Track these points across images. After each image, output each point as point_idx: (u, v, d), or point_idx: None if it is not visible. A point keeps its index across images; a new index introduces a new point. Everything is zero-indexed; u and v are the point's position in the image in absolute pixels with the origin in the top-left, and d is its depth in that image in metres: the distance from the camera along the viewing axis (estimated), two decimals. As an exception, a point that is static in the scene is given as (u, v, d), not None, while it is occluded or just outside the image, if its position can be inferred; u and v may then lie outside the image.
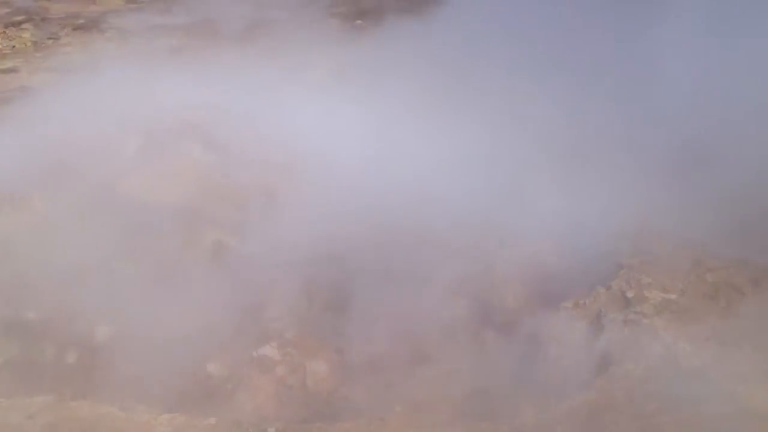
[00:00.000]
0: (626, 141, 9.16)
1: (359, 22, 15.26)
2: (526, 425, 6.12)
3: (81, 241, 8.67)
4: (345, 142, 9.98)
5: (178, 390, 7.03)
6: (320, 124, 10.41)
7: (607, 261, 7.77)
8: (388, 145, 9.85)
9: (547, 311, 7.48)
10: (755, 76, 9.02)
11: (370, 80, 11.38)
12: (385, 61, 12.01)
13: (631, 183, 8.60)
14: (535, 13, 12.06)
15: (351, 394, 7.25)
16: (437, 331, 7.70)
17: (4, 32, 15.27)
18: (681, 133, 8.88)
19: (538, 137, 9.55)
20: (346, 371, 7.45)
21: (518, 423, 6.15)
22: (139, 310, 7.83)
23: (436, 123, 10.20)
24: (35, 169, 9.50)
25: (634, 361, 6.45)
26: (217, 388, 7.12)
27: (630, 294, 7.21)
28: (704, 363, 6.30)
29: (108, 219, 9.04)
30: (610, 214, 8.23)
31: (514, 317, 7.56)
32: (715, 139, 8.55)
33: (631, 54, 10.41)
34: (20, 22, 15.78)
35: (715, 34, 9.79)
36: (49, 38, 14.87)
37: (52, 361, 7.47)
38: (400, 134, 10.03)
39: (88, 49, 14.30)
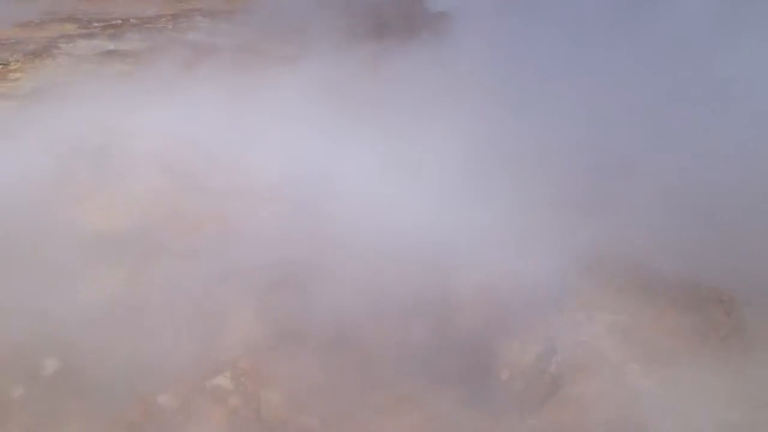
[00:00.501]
0: (578, 167, 9.29)
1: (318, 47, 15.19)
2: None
3: (28, 271, 8.53)
4: (304, 168, 10.01)
5: (127, 423, 6.92)
6: (276, 149, 10.43)
7: (558, 284, 7.86)
8: (348, 169, 9.89)
9: (499, 334, 7.55)
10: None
11: (329, 106, 11.41)
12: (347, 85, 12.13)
13: (583, 207, 8.73)
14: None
15: (306, 423, 7.21)
16: (391, 356, 7.71)
17: (-49, 58, 15.02)
18: (632, 158, 9.04)
19: (496, 157, 9.68)
20: (300, 400, 7.40)
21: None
22: (88, 341, 7.71)
23: (398, 150, 10.28)
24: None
25: (584, 383, 6.53)
26: (168, 420, 7.01)
27: (580, 316, 7.30)
28: (653, 384, 6.41)
29: (58, 247, 8.91)
30: (561, 237, 8.34)
31: (467, 341, 7.60)
32: (666, 167, 8.70)
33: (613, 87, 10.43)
34: (-33, 49, 15.54)
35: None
36: (-1, 64, 14.67)
37: (-3, 397, 7.31)
38: (361, 159, 10.09)
39: (39, 75, 14.11)
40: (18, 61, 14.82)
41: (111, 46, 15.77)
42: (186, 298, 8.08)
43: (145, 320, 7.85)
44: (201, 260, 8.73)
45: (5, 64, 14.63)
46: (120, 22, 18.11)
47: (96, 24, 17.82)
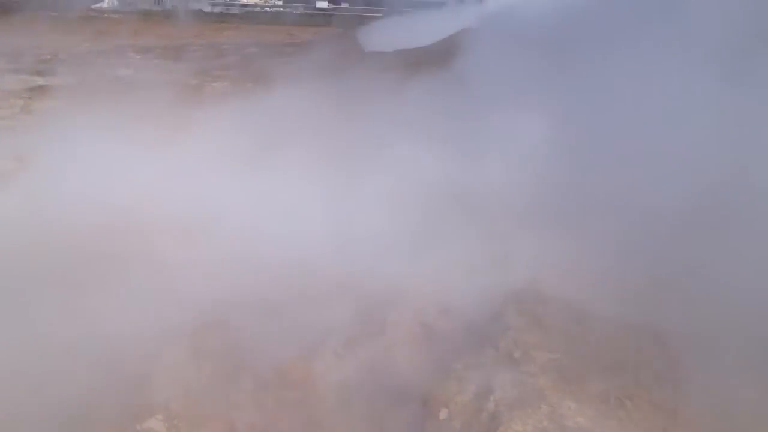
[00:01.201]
0: (513, 200, 9.41)
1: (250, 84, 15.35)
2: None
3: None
4: (225, 204, 9.96)
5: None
6: (199, 187, 10.39)
7: (494, 322, 7.91)
8: (266, 207, 9.89)
9: (437, 373, 7.53)
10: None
11: (257, 143, 11.41)
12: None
13: (517, 244, 8.83)
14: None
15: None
16: (327, 395, 7.61)
17: None
18: (566, 191, 9.17)
19: (424, 193, 9.77)
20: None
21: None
22: (12, 384, 7.39)
23: (314, 186, 10.33)
24: None
25: (522, 422, 6.53)
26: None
27: (517, 354, 7.33)
28: (588, 421, 6.45)
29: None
30: (496, 275, 8.43)
31: (404, 380, 7.56)
32: (601, 200, 8.84)
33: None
34: None
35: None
36: None
37: None
38: (276, 195, 10.14)
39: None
40: (-59, 95, 14.42)
41: (41, 81, 15.49)
42: (117, 337, 7.84)
43: (74, 362, 7.57)
44: (132, 299, 8.51)
45: (-73, 99, 14.20)
46: (50, 57, 17.84)
47: (25, 59, 17.49)
